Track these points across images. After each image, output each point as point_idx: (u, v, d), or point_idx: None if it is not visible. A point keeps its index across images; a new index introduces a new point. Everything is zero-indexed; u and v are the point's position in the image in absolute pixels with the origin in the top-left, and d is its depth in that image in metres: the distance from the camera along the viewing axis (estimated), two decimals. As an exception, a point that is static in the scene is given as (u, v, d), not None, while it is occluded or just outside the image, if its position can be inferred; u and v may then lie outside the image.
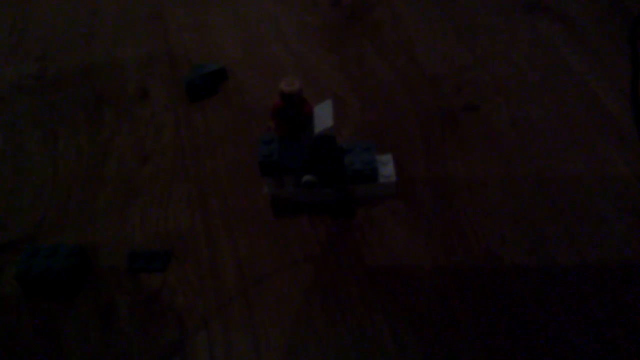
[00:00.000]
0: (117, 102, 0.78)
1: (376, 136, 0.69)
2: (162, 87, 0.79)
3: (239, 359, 0.52)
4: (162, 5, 0.94)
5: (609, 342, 0.50)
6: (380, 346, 0.52)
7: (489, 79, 0.75)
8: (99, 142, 0.73)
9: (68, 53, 0.87)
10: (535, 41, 0.80)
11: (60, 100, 0.80)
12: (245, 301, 0.56)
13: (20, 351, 0.54)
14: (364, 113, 0.73)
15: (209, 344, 0.53)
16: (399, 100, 0.74)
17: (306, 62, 0.81)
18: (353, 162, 0.61)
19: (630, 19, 0.80)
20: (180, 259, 0.59)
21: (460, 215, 0.61)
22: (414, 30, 0.84)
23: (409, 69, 0.78)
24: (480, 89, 0.74)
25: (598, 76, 0.74)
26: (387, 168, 0.63)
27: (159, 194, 0.66)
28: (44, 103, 0.80)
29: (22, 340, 0.55)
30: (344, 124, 0.71)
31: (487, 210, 0.61)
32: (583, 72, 0.75)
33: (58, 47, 0.89)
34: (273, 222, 0.62)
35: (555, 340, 0.51)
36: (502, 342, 0.51)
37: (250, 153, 0.69)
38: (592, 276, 0.55)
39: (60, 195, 0.67)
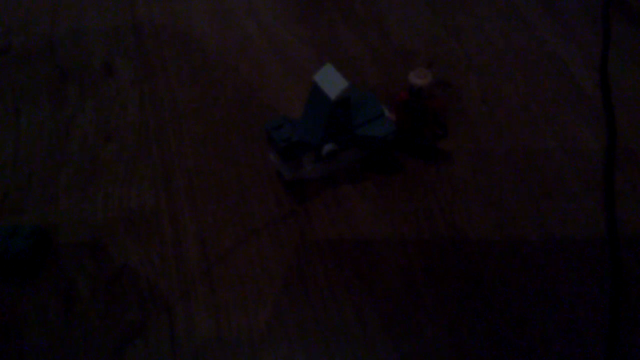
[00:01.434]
0: (82, 78, 0.75)
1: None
2: (127, 62, 0.77)
3: (201, 341, 0.51)
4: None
5: (573, 321, 0.50)
6: (343, 325, 0.51)
7: (461, 54, 0.74)
8: (62, 119, 0.71)
9: (32, 27, 0.84)
10: (510, 15, 0.78)
11: (24, 76, 0.77)
12: (209, 282, 0.55)
13: (-22, 334, 0.53)
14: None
15: (170, 325, 0.52)
16: (370, 74, 0.72)
17: (276, 36, 0.79)
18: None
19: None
20: (143, 240, 0.58)
21: (428, 191, 0.60)
22: (386, 2, 0.82)
23: (380, 43, 0.76)
24: (452, 64, 0.72)
25: (572, 52, 0.73)
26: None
27: (123, 172, 0.64)
28: (7, 79, 0.77)
29: (-20, 323, 0.54)
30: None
31: (455, 187, 0.60)
32: (557, 47, 0.74)
33: (23, 21, 0.86)
34: (239, 202, 0.61)
35: (520, 317, 0.51)
36: (465, 319, 0.51)
37: (217, 130, 0.67)
38: (559, 253, 0.54)
39: (21, 174, 0.65)
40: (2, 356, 0.52)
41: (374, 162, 0.62)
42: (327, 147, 0.57)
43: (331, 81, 0.55)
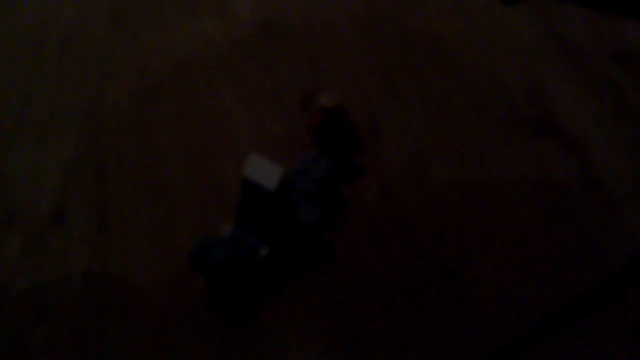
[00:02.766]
0: (27, 226, 0.65)
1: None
2: (82, 207, 0.66)
3: None
4: (104, 96, 0.80)
5: None
6: None
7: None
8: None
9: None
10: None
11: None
12: None
13: None
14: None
15: None
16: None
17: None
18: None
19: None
20: None
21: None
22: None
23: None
24: (461, 246, 0.62)
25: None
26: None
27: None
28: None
29: None
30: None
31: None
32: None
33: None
34: None
35: None
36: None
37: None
38: None
39: None
40: None
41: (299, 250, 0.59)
42: (263, 252, 0.53)
43: (264, 172, 0.50)
